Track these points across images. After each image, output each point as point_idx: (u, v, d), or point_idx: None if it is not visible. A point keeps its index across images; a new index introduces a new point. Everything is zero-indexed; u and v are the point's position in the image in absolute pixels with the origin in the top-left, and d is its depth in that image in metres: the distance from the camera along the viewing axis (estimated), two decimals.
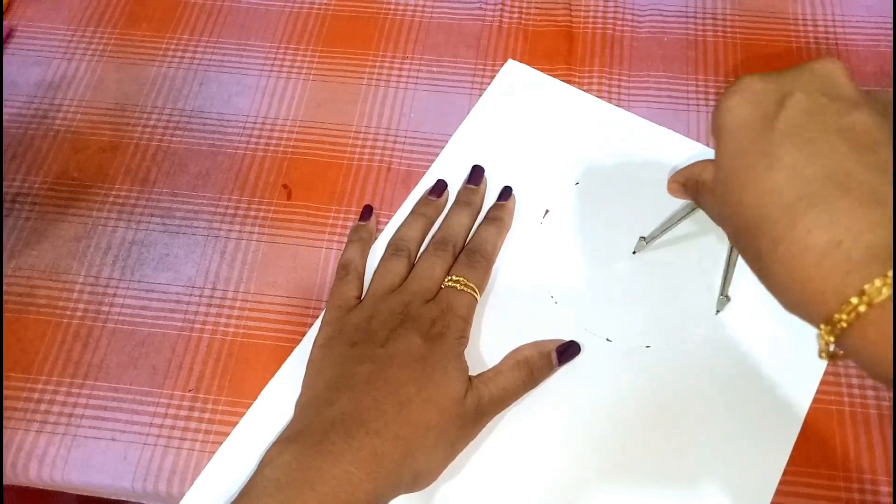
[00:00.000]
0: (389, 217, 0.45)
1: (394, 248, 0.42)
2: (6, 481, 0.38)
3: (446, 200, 0.45)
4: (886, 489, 0.36)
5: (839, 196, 0.25)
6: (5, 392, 0.40)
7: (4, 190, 0.46)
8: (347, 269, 0.41)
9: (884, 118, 0.27)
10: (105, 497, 0.39)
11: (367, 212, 0.44)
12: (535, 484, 0.37)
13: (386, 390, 0.34)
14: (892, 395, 0.26)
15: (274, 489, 0.31)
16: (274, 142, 0.48)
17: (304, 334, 0.41)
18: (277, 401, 0.39)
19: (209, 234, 0.44)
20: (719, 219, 0.32)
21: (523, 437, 0.38)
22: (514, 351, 0.40)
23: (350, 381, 0.35)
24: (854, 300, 0.24)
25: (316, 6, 0.53)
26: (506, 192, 0.44)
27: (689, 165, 0.36)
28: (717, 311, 0.41)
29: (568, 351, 0.39)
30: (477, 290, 0.40)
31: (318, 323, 0.41)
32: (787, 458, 0.37)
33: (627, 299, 0.42)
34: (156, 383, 0.40)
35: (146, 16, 0.53)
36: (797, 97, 0.28)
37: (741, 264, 0.37)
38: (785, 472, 0.37)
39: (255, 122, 0.48)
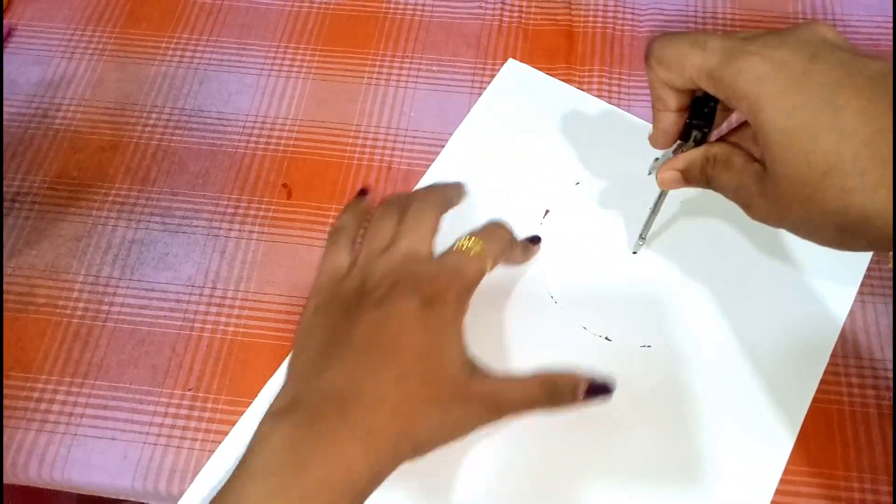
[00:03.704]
0: None
1: (383, 207, 0.39)
2: (6, 481, 0.38)
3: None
4: (886, 489, 0.36)
5: None
6: (5, 392, 0.40)
7: (4, 189, 0.46)
8: (339, 234, 0.38)
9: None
10: (105, 496, 0.39)
11: (363, 192, 0.42)
12: (534, 483, 0.37)
13: (382, 360, 0.32)
14: None
15: (267, 472, 0.29)
16: (274, 141, 0.47)
17: None
18: None
19: (209, 233, 0.44)
20: (760, 187, 0.31)
21: (522, 436, 0.38)
22: (546, 370, 0.35)
23: (344, 349, 0.33)
24: None
25: (316, 5, 0.53)
26: (535, 239, 0.43)
27: (684, 154, 0.36)
28: (634, 252, 0.43)
29: (599, 390, 0.34)
30: (489, 261, 0.36)
31: None
32: (787, 458, 0.37)
33: (627, 299, 0.42)
34: (156, 382, 0.40)
35: (146, 15, 0.53)
36: (823, 55, 0.30)
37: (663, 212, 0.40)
38: (785, 472, 0.37)
39: (255, 122, 0.48)
